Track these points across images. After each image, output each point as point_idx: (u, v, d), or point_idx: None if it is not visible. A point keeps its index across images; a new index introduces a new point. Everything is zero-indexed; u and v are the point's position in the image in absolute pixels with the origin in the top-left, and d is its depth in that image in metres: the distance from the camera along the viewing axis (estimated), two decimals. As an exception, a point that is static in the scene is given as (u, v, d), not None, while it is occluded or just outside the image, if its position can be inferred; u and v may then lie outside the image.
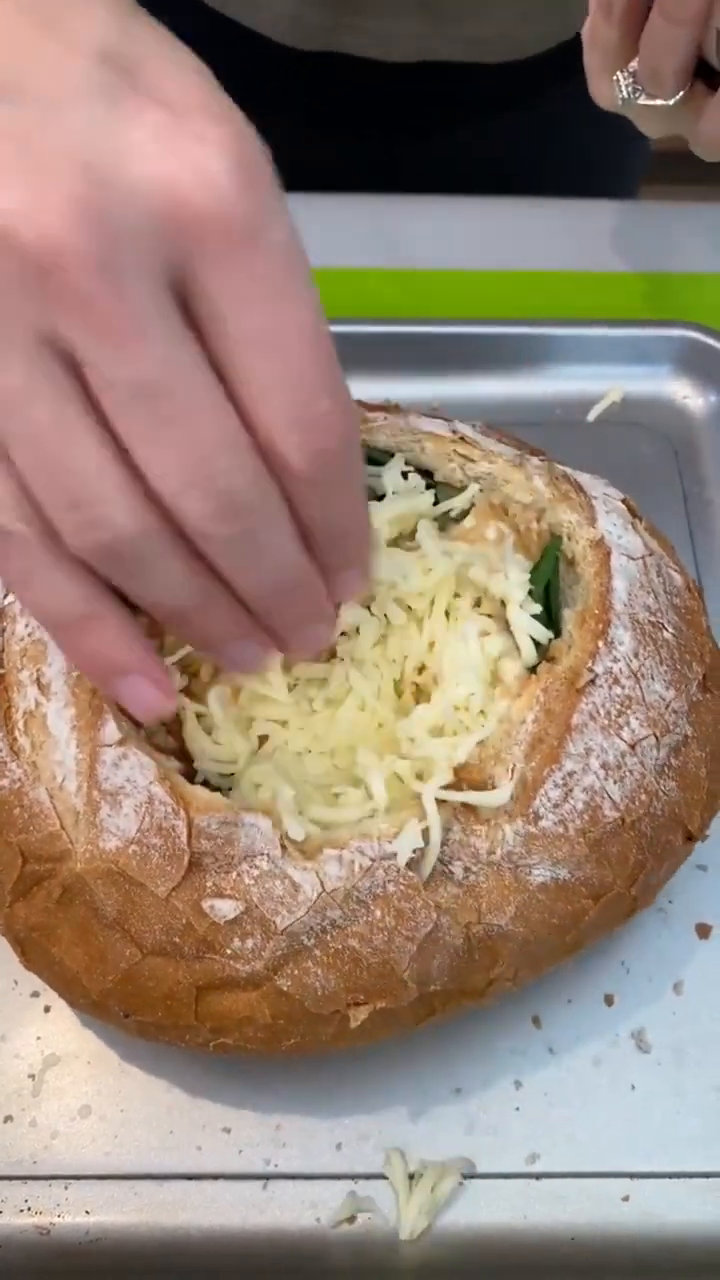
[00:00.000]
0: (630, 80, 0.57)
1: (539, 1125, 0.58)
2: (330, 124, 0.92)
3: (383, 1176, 0.56)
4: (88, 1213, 0.55)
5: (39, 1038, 0.59)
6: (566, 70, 0.91)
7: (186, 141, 0.32)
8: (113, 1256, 0.54)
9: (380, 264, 0.87)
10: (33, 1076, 0.58)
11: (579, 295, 0.86)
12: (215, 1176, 0.56)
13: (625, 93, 0.57)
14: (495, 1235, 0.55)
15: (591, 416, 0.80)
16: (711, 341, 0.80)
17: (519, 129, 0.94)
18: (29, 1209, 0.55)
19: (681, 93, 0.57)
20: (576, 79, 0.92)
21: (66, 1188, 0.56)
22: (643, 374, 0.82)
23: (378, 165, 0.94)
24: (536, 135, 0.95)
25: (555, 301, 0.86)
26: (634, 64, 0.57)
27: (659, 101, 0.56)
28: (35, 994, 0.60)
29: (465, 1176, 0.56)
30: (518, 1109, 0.58)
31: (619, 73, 0.57)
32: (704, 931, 0.62)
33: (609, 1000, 0.61)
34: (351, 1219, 0.55)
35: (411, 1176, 0.56)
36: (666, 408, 0.81)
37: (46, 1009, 0.60)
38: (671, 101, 0.56)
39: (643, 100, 0.57)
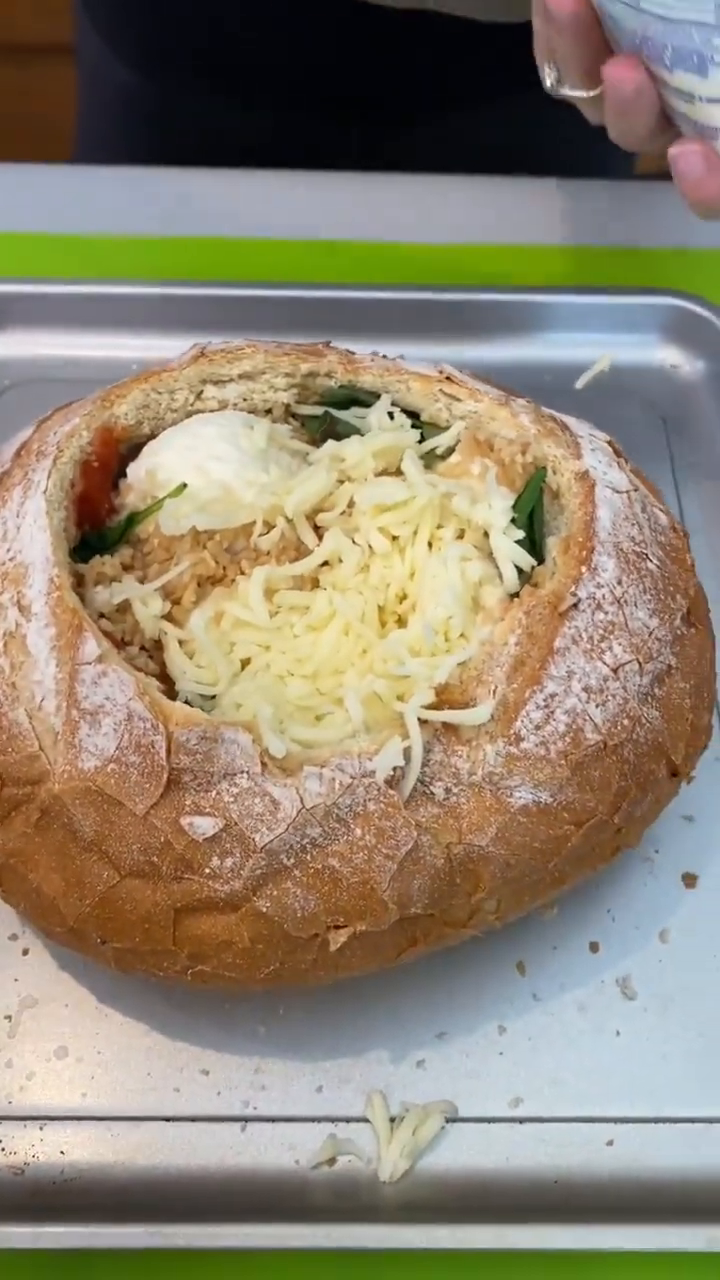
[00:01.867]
0: (555, 72, 0.58)
1: (523, 1070, 0.57)
2: (321, 105, 0.93)
3: (364, 1120, 0.55)
4: (63, 1153, 0.55)
5: (16, 980, 0.58)
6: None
7: None
8: (88, 1196, 0.53)
9: (371, 237, 0.88)
10: (9, 1018, 0.57)
11: (567, 268, 0.87)
12: (193, 1118, 0.55)
13: (549, 81, 0.58)
14: (477, 1178, 0.54)
15: (580, 384, 0.80)
16: (699, 309, 0.80)
17: (504, 118, 0.95)
18: (3, 1149, 0.54)
19: (597, 89, 0.58)
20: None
21: (42, 1128, 0.55)
22: (631, 342, 0.82)
23: (364, 153, 0.94)
24: (523, 122, 0.96)
25: (543, 274, 0.86)
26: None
27: (578, 93, 0.57)
28: (13, 936, 0.59)
29: (448, 1120, 0.55)
30: (501, 1054, 0.57)
31: (547, 62, 0.58)
32: (690, 881, 0.62)
33: (594, 948, 0.60)
34: (331, 1161, 0.55)
35: (393, 1119, 0.55)
36: (654, 375, 0.82)
37: (25, 951, 0.59)
38: (585, 94, 0.57)
39: (565, 90, 0.58)
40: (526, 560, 0.52)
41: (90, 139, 1.04)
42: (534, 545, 0.53)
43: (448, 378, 0.58)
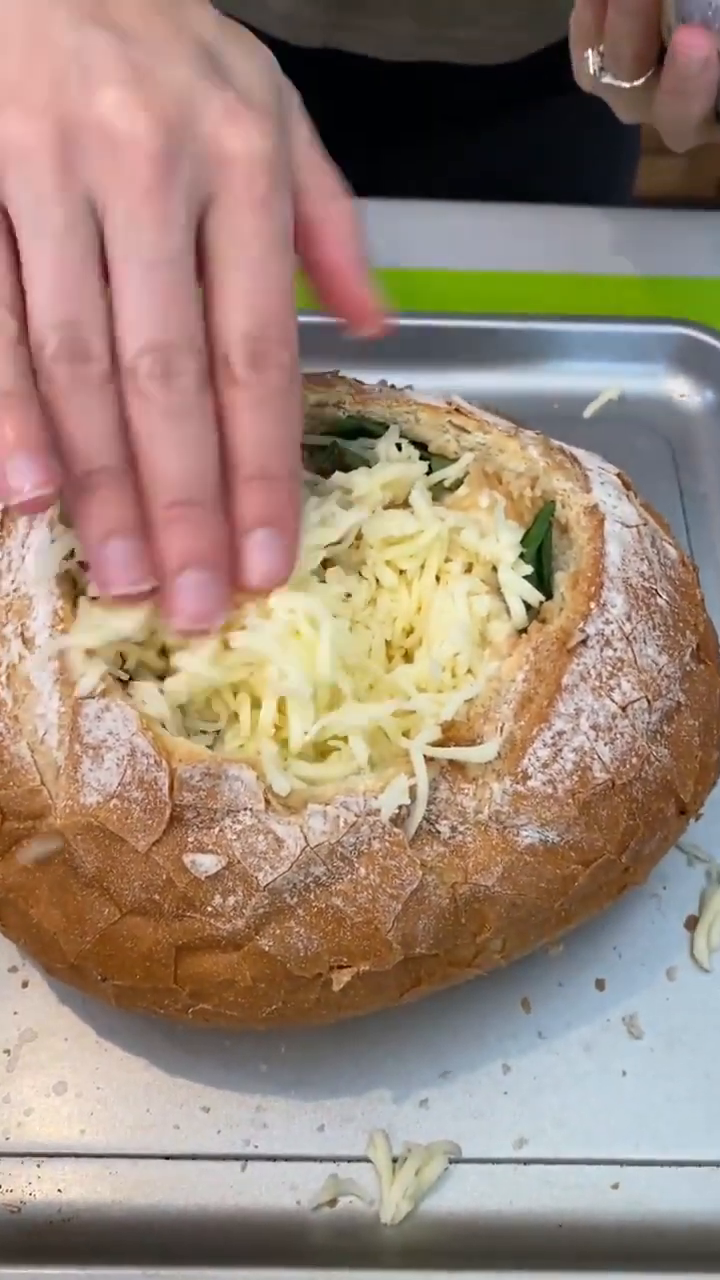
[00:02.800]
0: (599, 60, 0.57)
1: (527, 1110, 0.56)
2: (323, 132, 0.93)
3: (366, 1159, 0.55)
4: (60, 1191, 0.54)
5: (16, 1013, 0.58)
6: (554, 82, 0.93)
7: (244, 123, 0.43)
8: (85, 1236, 0.53)
9: (378, 263, 0.88)
10: (8, 1052, 0.57)
11: (575, 297, 0.87)
12: (193, 1156, 0.55)
13: (593, 69, 0.58)
14: (481, 1221, 0.54)
15: (588, 413, 0.81)
16: (708, 339, 0.80)
17: (506, 141, 0.95)
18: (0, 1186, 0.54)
19: (643, 79, 0.57)
20: (564, 91, 0.94)
21: (39, 1165, 0.54)
22: (640, 371, 0.82)
23: (366, 176, 0.94)
24: (524, 147, 0.96)
25: (552, 303, 0.86)
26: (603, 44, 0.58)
27: (622, 83, 0.56)
28: (13, 969, 0.59)
29: (451, 1161, 0.55)
30: (506, 1093, 0.57)
31: (590, 50, 0.57)
32: (692, 923, 0.61)
33: (600, 985, 0.59)
34: (333, 1202, 0.54)
35: (395, 1160, 0.54)
36: (663, 405, 0.81)
37: (24, 984, 0.58)
38: (629, 85, 0.56)
39: (607, 80, 0.57)
40: (535, 596, 0.52)
41: None
42: (542, 580, 0.53)
43: (456, 409, 0.58)
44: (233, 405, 0.44)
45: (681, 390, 0.82)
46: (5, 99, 0.41)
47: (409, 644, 0.53)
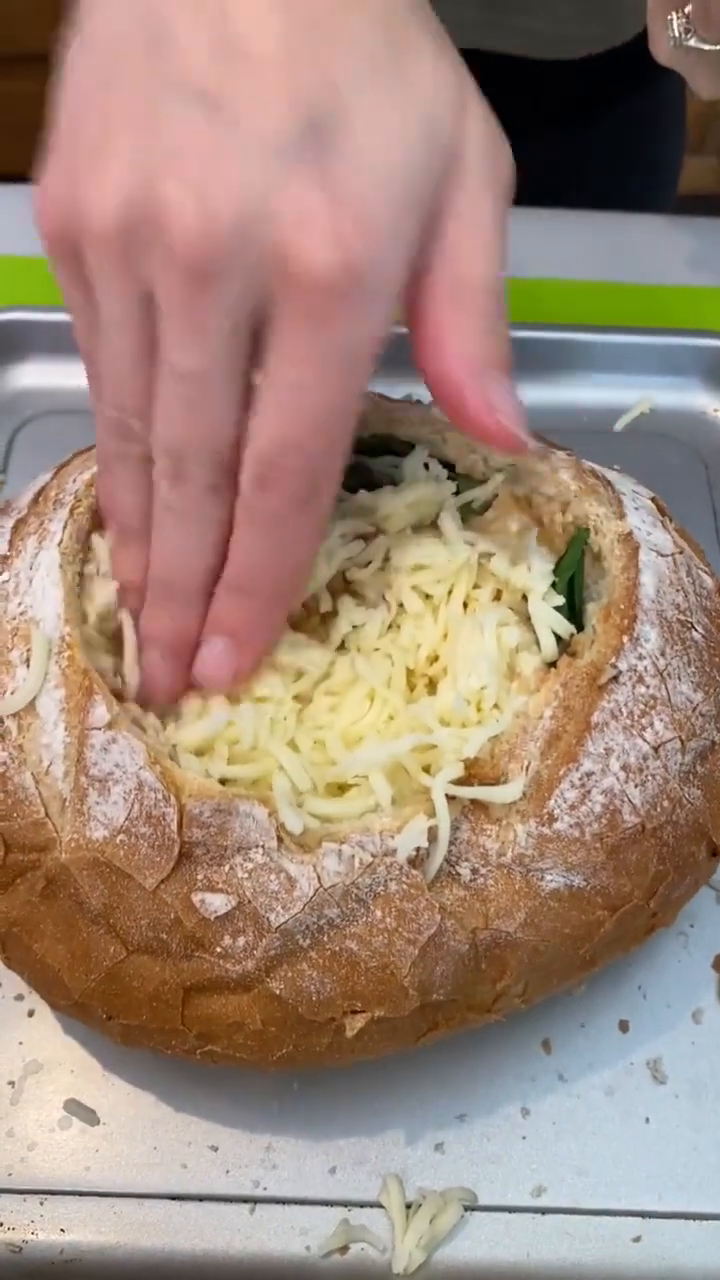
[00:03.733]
0: (684, 21, 0.54)
1: (546, 1156, 0.54)
2: None
3: (378, 1205, 0.53)
4: (63, 1231, 0.52)
5: (21, 1043, 0.56)
6: (602, 93, 0.90)
7: (317, 230, 0.37)
8: (88, 1278, 0.51)
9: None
10: (12, 1084, 0.55)
11: (606, 305, 0.84)
12: (200, 1198, 0.53)
13: (677, 32, 0.54)
14: (496, 1273, 0.52)
15: (619, 426, 0.78)
16: (745, 352, 0.78)
17: (544, 152, 0.93)
18: (1, 1224, 0.52)
19: None
20: (610, 104, 0.91)
21: (42, 1203, 0.53)
22: (672, 384, 0.79)
23: None
24: (562, 156, 0.94)
25: (582, 311, 0.84)
26: (690, 5, 0.55)
27: (709, 46, 0.53)
28: (19, 997, 0.57)
29: (466, 1208, 0.53)
30: (524, 1138, 0.55)
31: (674, 13, 0.54)
32: (722, 962, 0.59)
33: (624, 1026, 0.57)
34: (344, 1249, 0.52)
35: (409, 1206, 0.52)
36: (696, 420, 0.79)
37: (30, 1013, 0.57)
38: (717, 47, 0.53)
39: (692, 43, 0.54)
40: (566, 628, 0.50)
41: None
42: (574, 611, 0.51)
43: (484, 428, 0.56)
44: (237, 516, 0.44)
45: (716, 405, 0.79)
46: (85, 164, 0.38)
47: (433, 672, 0.51)
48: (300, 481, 0.42)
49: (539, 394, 0.79)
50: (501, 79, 0.84)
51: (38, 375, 0.79)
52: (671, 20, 0.55)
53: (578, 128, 0.91)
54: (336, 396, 0.41)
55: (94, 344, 0.43)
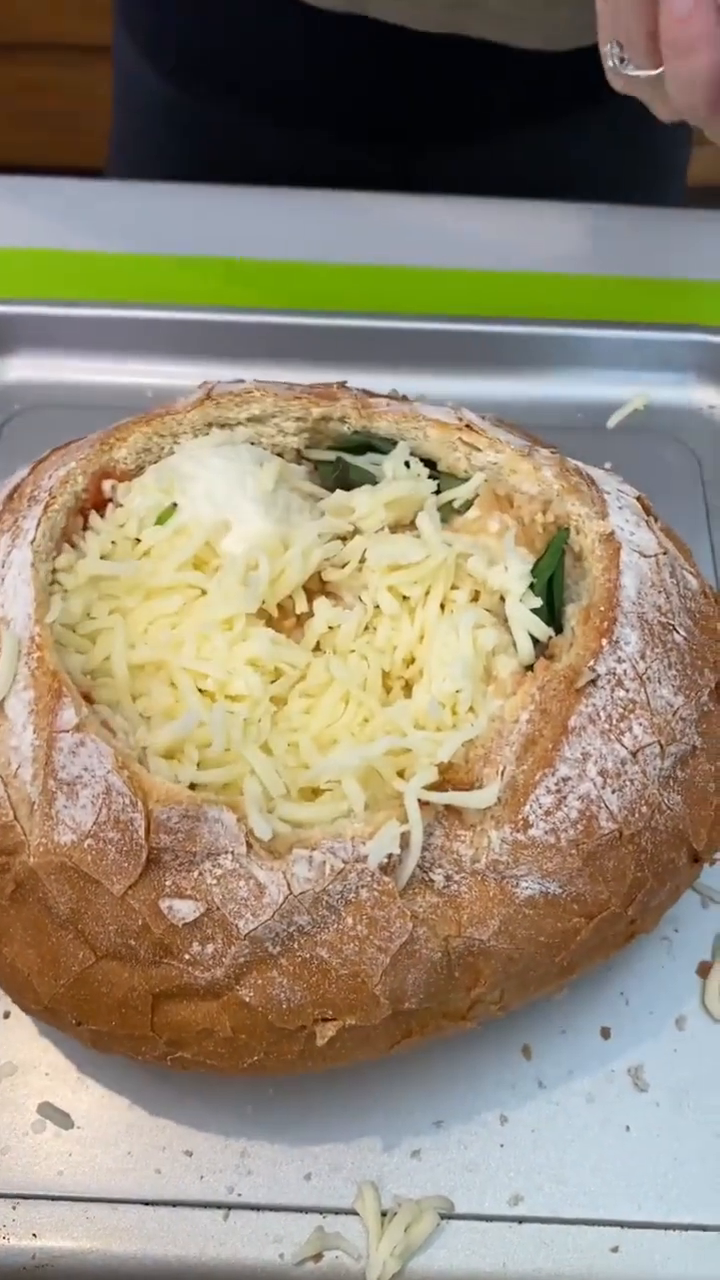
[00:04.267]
0: (619, 50, 0.54)
1: (524, 1164, 0.53)
2: (353, 127, 0.90)
3: (353, 1212, 0.52)
4: (35, 1235, 0.52)
5: (-5, 1045, 0.55)
6: (588, 90, 0.89)
7: None
8: (59, 1285, 0.51)
9: (398, 261, 0.85)
10: (-14, 1087, 0.55)
11: (601, 300, 0.83)
12: (174, 1203, 0.52)
13: (613, 62, 0.54)
14: (471, 1283, 0.51)
15: (612, 423, 0.77)
16: (740, 348, 0.76)
17: (540, 144, 0.92)
18: (-28, 1229, 0.52)
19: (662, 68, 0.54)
20: (598, 101, 0.90)
21: (14, 1207, 0.52)
22: (667, 380, 0.78)
23: (397, 175, 0.91)
24: (559, 150, 0.93)
25: (576, 305, 0.83)
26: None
27: (643, 72, 0.52)
28: (-6, 999, 0.56)
29: (442, 1216, 0.52)
30: (502, 1145, 0.54)
31: (610, 42, 0.54)
32: (705, 969, 0.58)
33: (605, 1033, 0.56)
34: (318, 1256, 0.51)
35: (384, 1214, 0.52)
36: (692, 416, 0.78)
37: (5, 1015, 0.56)
38: (653, 73, 0.52)
39: (630, 71, 0.53)
40: (543, 631, 0.49)
41: (124, 148, 1.02)
42: (552, 613, 0.50)
43: (467, 425, 0.55)
44: None
45: (711, 401, 0.78)
46: None
47: (409, 674, 0.50)
48: None
49: (533, 389, 0.78)
50: (487, 70, 0.83)
51: (25, 369, 0.78)
52: (608, 50, 0.54)
53: (568, 119, 0.89)
54: None
55: None
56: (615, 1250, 0.52)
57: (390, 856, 0.44)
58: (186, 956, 0.44)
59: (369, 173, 0.89)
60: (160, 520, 0.52)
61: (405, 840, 0.44)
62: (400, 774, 0.46)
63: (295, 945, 0.44)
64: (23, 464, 0.60)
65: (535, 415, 0.75)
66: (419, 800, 0.44)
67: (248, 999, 0.44)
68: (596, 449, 0.74)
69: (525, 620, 0.48)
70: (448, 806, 0.45)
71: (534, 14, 0.78)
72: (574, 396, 0.78)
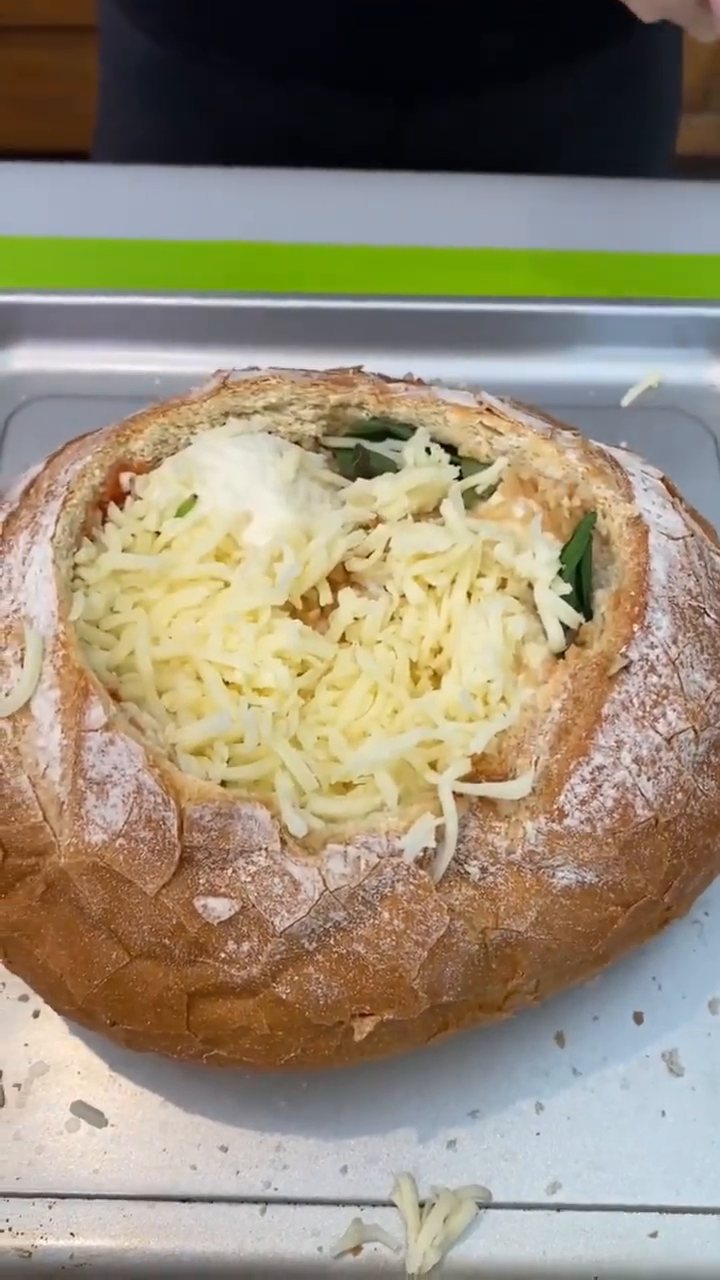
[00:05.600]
0: None
1: (561, 1152, 0.53)
2: (346, 78, 0.87)
3: (391, 1204, 0.52)
4: (73, 1234, 0.51)
5: (26, 1045, 0.55)
6: (588, 38, 0.87)
7: None
8: (98, 1283, 0.50)
9: (406, 242, 0.84)
10: (18, 1086, 0.54)
11: (611, 277, 0.82)
12: (210, 1199, 0.52)
13: None
14: (511, 1272, 0.51)
15: (626, 401, 0.76)
16: (754, 323, 0.75)
17: (538, 103, 0.90)
18: (9, 1229, 0.51)
19: None
20: (598, 46, 0.88)
21: (51, 1207, 0.52)
22: (681, 357, 0.77)
23: (391, 132, 0.90)
24: (555, 110, 0.91)
25: (587, 283, 0.82)
26: None
27: None
28: (24, 998, 0.56)
29: (480, 1206, 0.52)
30: (538, 1134, 0.54)
31: None
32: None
33: (638, 1018, 0.56)
34: (356, 1249, 0.51)
35: (422, 1205, 0.52)
36: (706, 393, 0.77)
37: (35, 1014, 0.56)
38: None
39: None
40: (573, 617, 0.48)
41: (111, 114, 1.00)
42: (581, 599, 0.49)
43: (488, 409, 0.54)
44: None
45: (724, 376, 0.77)
46: None
47: (437, 664, 0.49)
48: None
49: (544, 370, 0.77)
50: (481, 19, 0.81)
51: (30, 359, 0.77)
52: None
53: (564, 78, 0.88)
54: None
55: None
56: (654, 1235, 0.52)
57: (425, 850, 0.43)
58: (222, 955, 0.44)
59: (358, 125, 0.88)
60: (180, 513, 0.52)
61: (440, 833, 0.44)
62: (432, 766, 0.46)
63: (331, 941, 0.44)
64: (31, 456, 0.59)
65: (548, 395, 0.74)
66: (453, 792, 0.44)
67: (284, 996, 0.44)
68: (611, 428, 0.74)
69: (555, 607, 0.48)
70: (482, 798, 0.45)
71: None
72: (586, 376, 0.77)
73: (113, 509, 0.53)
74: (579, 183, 0.87)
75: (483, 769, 0.45)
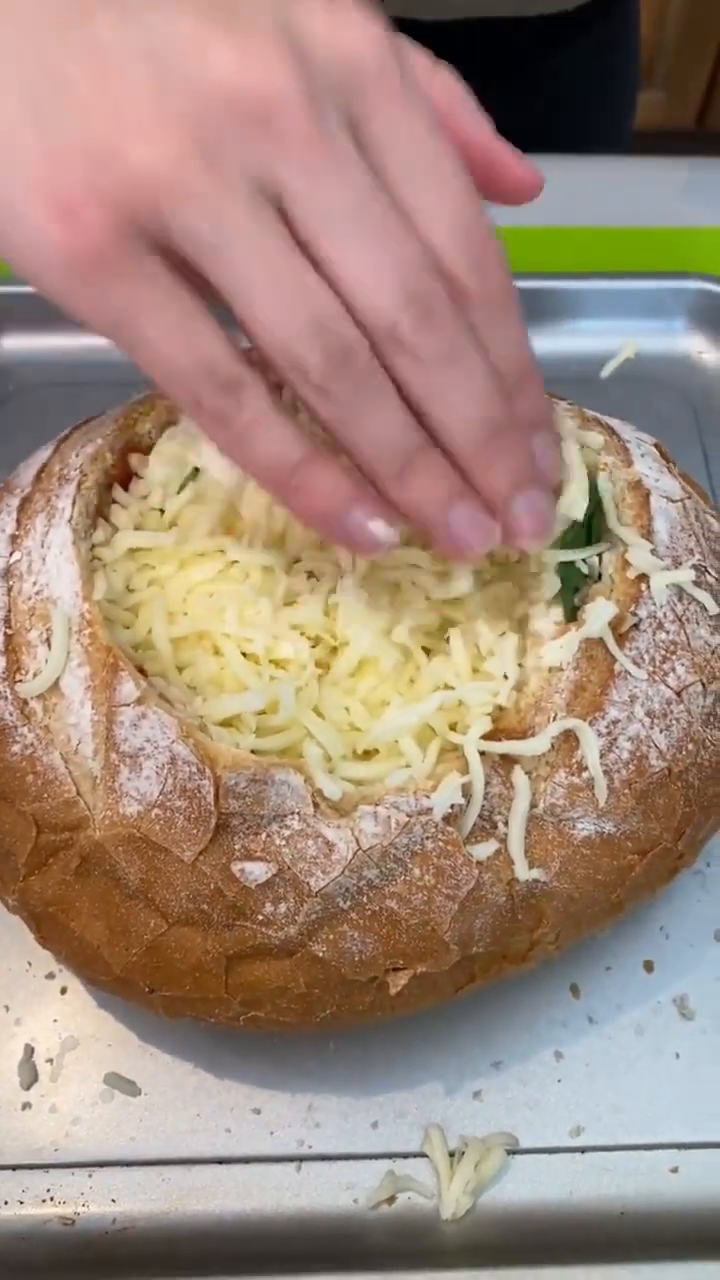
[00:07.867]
0: None
1: (582, 1097, 0.55)
2: None
3: (422, 1155, 0.54)
4: (114, 1201, 0.53)
5: (55, 1020, 0.56)
6: (558, 35, 0.89)
7: (350, 23, 0.39)
8: (142, 1245, 0.52)
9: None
10: (51, 1060, 0.55)
11: (585, 252, 0.84)
12: (246, 1160, 0.54)
13: None
14: (541, 1211, 0.53)
15: (605, 373, 0.78)
16: (726, 293, 0.78)
17: (512, 94, 0.92)
18: (51, 1199, 0.53)
19: None
20: (572, 42, 0.90)
21: (90, 1175, 0.53)
22: (657, 328, 0.79)
23: None
24: (529, 100, 0.93)
25: (561, 259, 0.83)
26: None
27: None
28: (51, 975, 0.57)
29: (509, 1152, 0.54)
30: (559, 1081, 0.56)
31: None
32: (745, 894, 0.60)
33: (649, 966, 0.58)
34: (391, 1199, 0.53)
35: (452, 1154, 0.53)
36: (682, 363, 0.79)
37: (63, 990, 0.57)
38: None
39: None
40: (590, 570, 0.50)
41: None
42: (590, 538, 0.50)
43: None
44: (472, 317, 0.40)
45: (700, 347, 0.79)
46: (110, 131, 0.36)
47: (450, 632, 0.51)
48: (493, 241, 0.40)
49: (524, 344, 0.78)
50: (455, 33, 0.83)
51: (16, 347, 0.78)
52: None
53: (539, 71, 0.89)
54: (454, 150, 0.40)
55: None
56: (675, 1171, 0.54)
57: (454, 806, 0.45)
58: (260, 917, 0.45)
59: None
60: (183, 487, 0.53)
61: (466, 790, 0.45)
62: (452, 727, 0.47)
63: (365, 899, 0.45)
64: (23, 445, 0.60)
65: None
66: (478, 751, 0.45)
67: (321, 954, 0.45)
68: (592, 399, 0.75)
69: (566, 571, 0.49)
70: (503, 756, 0.46)
71: None
72: (566, 349, 0.79)
73: (118, 490, 0.53)
74: (550, 160, 0.88)
75: (502, 728, 0.47)
